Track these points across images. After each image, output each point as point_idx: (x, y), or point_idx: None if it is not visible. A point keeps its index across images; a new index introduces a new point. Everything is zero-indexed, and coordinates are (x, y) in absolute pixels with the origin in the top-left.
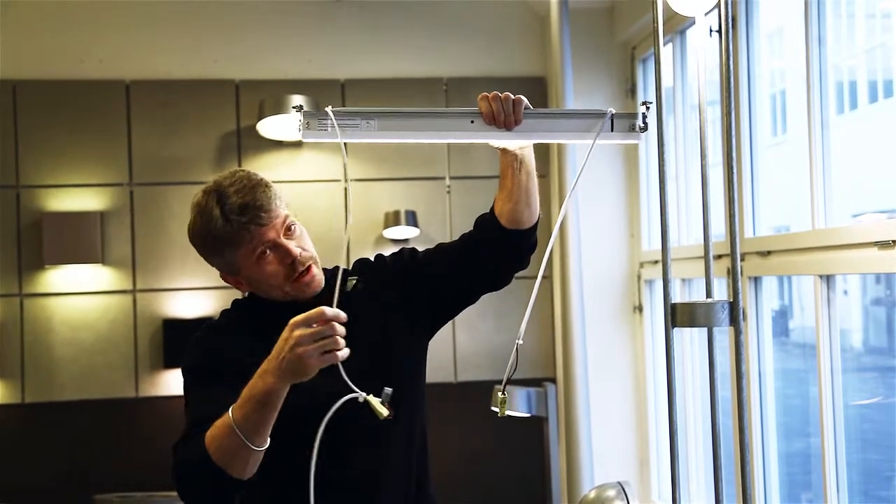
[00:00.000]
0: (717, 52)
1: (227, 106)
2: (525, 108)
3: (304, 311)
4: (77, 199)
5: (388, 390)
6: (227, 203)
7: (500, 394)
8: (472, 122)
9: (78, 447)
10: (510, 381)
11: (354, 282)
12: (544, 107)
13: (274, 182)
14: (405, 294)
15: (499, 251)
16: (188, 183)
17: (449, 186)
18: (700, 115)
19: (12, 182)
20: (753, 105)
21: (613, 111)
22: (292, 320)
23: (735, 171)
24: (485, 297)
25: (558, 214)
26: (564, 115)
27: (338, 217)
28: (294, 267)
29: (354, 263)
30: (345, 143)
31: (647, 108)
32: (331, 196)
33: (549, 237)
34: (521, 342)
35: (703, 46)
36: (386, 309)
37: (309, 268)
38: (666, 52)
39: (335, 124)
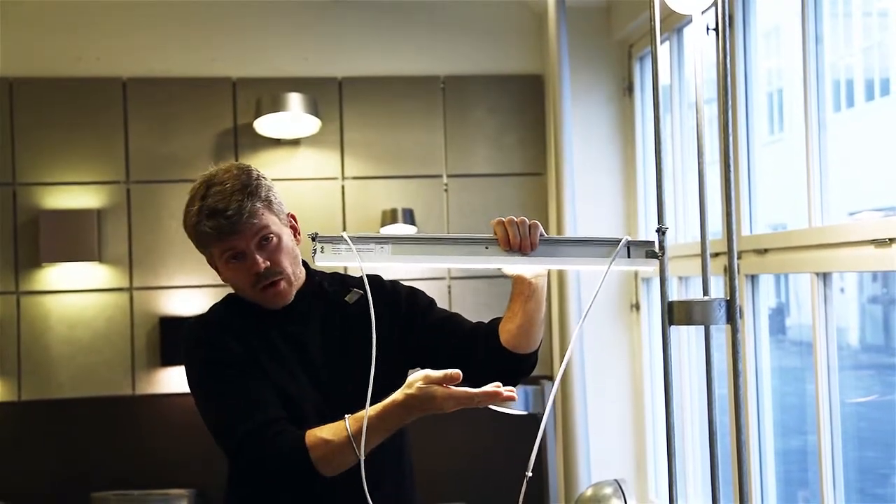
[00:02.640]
0: (714, 50)
1: (224, 104)
2: (540, 235)
3: (282, 316)
4: (74, 197)
5: None
6: (205, 202)
7: None
8: (487, 247)
9: (75, 445)
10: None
11: (358, 295)
12: (542, 106)
13: (270, 180)
14: (406, 338)
15: (490, 361)
16: (185, 181)
17: (446, 184)
18: (697, 113)
19: (9, 179)
20: (750, 103)
21: (629, 238)
22: (443, 393)
23: (732, 169)
24: (486, 299)
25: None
26: (580, 243)
27: (335, 214)
28: (258, 279)
29: (368, 278)
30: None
31: (663, 234)
32: (328, 193)
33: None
34: (530, 474)
35: (700, 44)
36: (386, 335)
37: (276, 283)
38: (663, 50)
39: (353, 248)
